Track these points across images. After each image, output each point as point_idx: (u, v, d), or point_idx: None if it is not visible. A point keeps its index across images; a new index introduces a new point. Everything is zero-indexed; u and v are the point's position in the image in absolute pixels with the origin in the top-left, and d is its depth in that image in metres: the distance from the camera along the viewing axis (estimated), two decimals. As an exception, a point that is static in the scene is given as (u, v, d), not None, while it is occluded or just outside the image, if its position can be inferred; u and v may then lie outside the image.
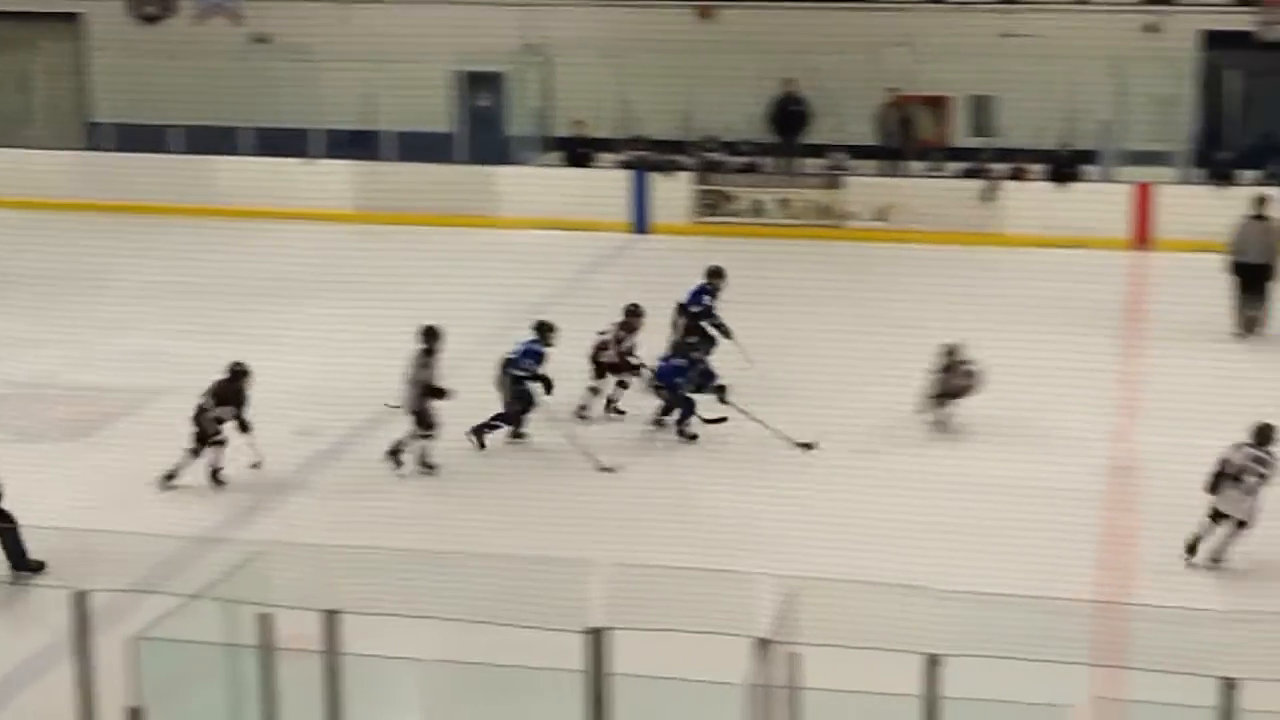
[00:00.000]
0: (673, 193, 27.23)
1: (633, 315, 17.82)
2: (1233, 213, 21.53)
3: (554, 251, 25.43)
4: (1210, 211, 23.11)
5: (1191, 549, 13.52)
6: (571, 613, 8.43)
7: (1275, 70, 27.00)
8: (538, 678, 9.10)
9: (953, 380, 16.79)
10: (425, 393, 15.87)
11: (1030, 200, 26.04)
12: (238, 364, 15.78)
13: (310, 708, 6.96)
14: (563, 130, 29.18)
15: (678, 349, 17.59)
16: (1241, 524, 13.47)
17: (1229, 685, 6.30)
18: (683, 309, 18.72)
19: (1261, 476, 13.48)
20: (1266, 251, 20.89)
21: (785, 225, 26.82)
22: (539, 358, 16.68)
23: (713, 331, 18.63)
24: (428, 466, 15.90)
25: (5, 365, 19.51)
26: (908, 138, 27.83)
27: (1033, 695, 8.97)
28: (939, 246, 25.16)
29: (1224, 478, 13.51)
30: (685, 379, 16.97)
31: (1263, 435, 13.63)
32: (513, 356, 16.70)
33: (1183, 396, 16.94)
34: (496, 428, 16.71)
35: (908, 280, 23.45)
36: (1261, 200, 21.33)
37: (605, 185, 27.45)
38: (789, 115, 28.01)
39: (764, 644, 6.55)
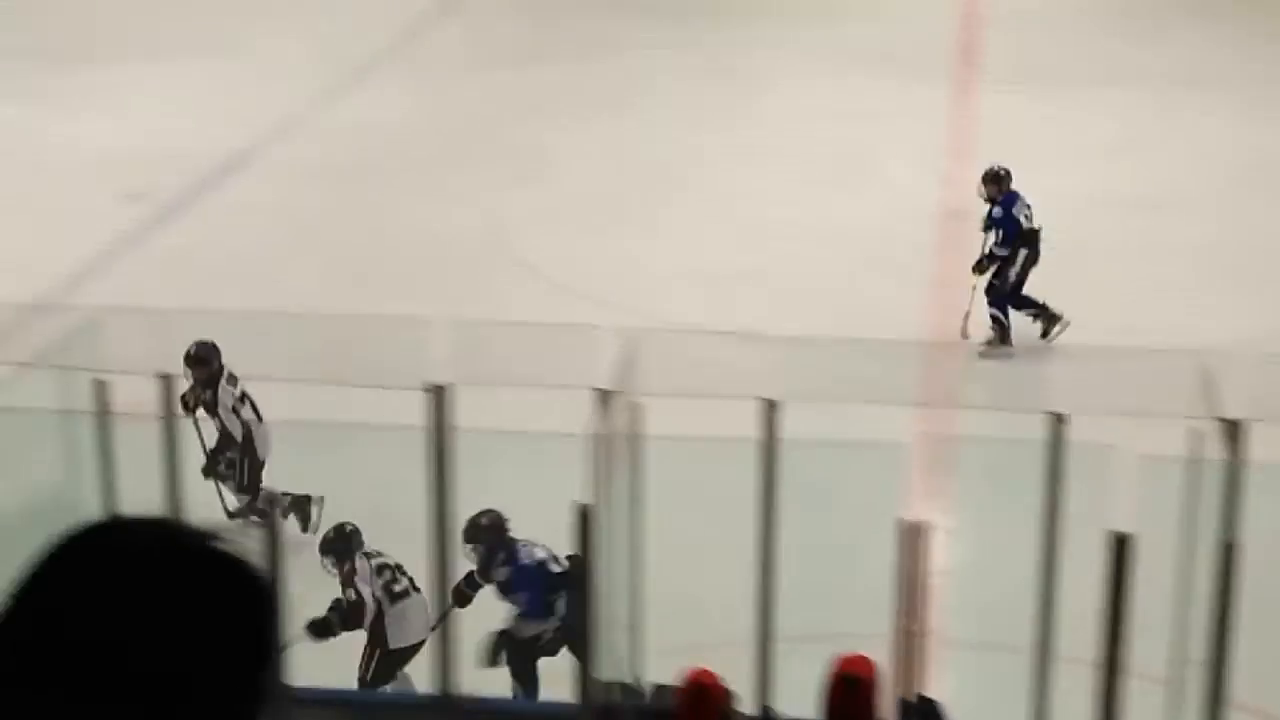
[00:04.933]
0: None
1: None
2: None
3: (386, 6, 24.88)
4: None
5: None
6: (413, 370, 8.43)
7: None
8: (381, 434, 9.15)
9: None
10: None
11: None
12: None
13: (149, 472, 6.93)
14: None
15: None
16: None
17: (1058, 419, 6.47)
18: None
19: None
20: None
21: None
22: None
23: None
24: None
25: None
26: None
27: (869, 435, 9.18)
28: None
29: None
30: None
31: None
32: None
33: (1016, 140, 17.11)
34: None
35: (746, 30, 23.29)
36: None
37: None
38: None
39: (605, 394, 6.60)
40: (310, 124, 18.70)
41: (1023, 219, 13.33)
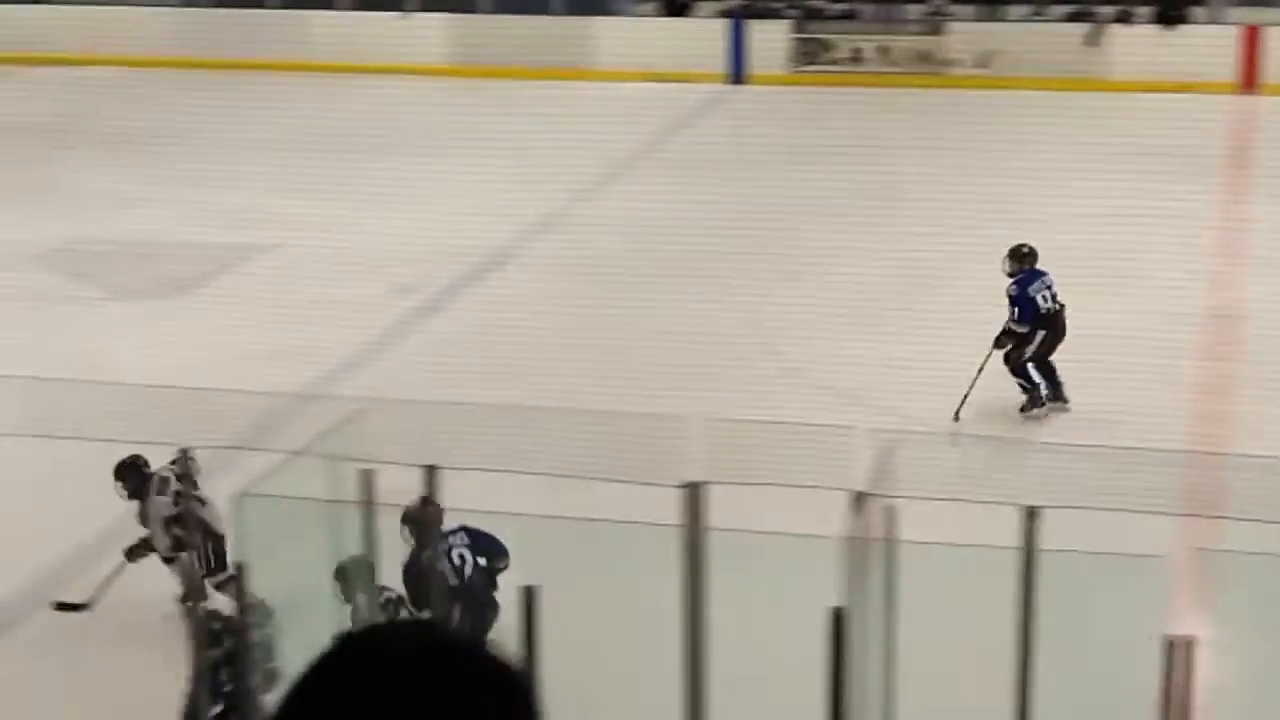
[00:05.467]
0: (770, 42, 26.96)
1: None
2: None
3: (650, 104, 25.30)
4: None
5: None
6: (667, 467, 8.48)
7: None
8: (634, 532, 9.20)
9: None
10: None
11: (1136, 44, 25.56)
12: None
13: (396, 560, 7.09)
14: (659, -21, 28.92)
15: None
16: None
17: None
18: None
19: None
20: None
21: (885, 74, 26.49)
22: None
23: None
24: None
25: (109, 223, 19.73)
26: (1009, -19, 27.39)
27: (1129, 547, 8.96)
28: (1043, 93, 24.77)
29: None
30: None
31: None
32: None
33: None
34: None
35: (1010, 127, 23.15)
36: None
37: (702, 35, 27.22)
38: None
39: (860, 496, 6.57)
40: (574, 219, 19.03)
41: (1040, 299, 13.52)
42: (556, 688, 3.39)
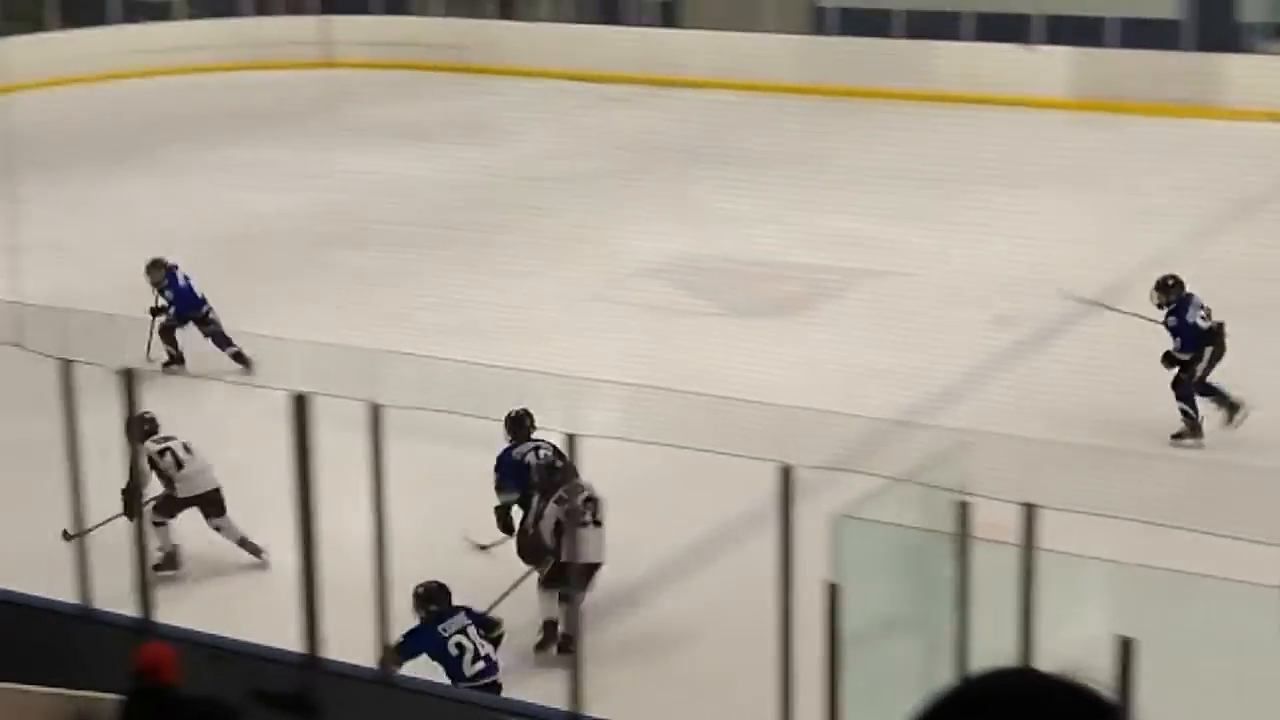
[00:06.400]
0: None
1: None
2: None
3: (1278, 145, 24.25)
4: None
5: None
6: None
7: None
8: (1234, 588, 8.84)
9: None
10: None
11: None
12: None
13: (1001, 599, 7.02)
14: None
15: None
16: None
17: None
18: None
19: None
20: None
21: None
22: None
23: None
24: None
25: (722, 242, 20.38)
26: None
27: None
28: None
29: None
30: None
31: None
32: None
33: None
34: None
35: None
36: None
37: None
38: None
39: None
40: (1189, 260, 18.40)
41: (1199, 321, 14.07)
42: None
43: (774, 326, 17.35)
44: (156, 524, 11.50)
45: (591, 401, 13.75)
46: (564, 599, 10.48)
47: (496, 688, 9.61)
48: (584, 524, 10.64)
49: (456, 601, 9.96)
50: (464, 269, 19.20)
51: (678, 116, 27.50)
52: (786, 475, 7.71)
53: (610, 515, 10.99)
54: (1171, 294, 14.21)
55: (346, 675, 8.16)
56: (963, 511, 7.18)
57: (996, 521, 7.24)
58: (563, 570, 10.50)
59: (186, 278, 16.10)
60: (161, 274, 16.01)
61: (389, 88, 30.88)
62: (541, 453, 11.49)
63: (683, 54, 30.42)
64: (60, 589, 8.92)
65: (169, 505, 11.82)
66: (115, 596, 8.84)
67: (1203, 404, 13.96)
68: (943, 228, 19.75)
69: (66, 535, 9.46)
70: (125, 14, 32.80)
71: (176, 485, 11.84)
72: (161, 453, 11.73)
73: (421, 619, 9.73)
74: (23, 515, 11.74)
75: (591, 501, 10.77)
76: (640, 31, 31.48)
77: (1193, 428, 13.92)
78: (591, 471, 10.61)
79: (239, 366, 15.71)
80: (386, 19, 33.30)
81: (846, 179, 22.88)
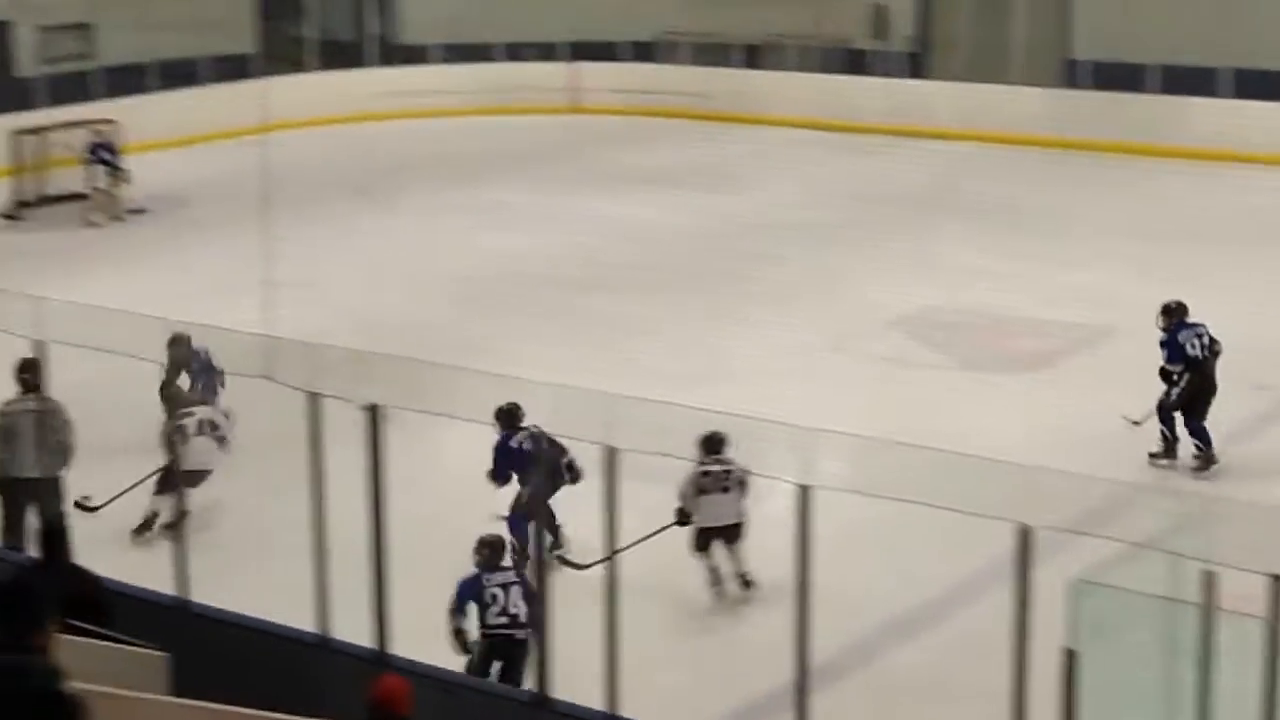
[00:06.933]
0: None
1: None
2: None
3: None
4: None
5: None
6: None
7: None
8: None
9: None
10: None
11: None
12: None
13: (1246, 672, 6.81)
14: None
15: None
16: None
17: None
18: None
19: None
20: None
21: None
22: None
23: None
24: None
25: (960, 294, 20.14)
26: None
27: None
28: None
29: None
30: None
31: None
32: None
33: None
34: None
35: None
36: None
37: None
38: None
39: None
40: None
41: (1188, 346, 14.55)
42: None
43: (1014, 382, 17.08)
44: None
45: (824, 452, 13.65)
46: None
47: (515, 642, 10.41)
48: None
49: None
50: (702, 316, 19.27)
51: (922, 167, 27.31)
52: (1025, 536, 7.58)
53: (844, 568, 10.89)
54: (1173, 317, 14.80)
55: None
56: (1209, 581, 6.98)
57: (1244, 593, 7.03)
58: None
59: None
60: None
61: (635, 134, 31.17)
62: (534, 438, 12.39)
63: (929, 105, 30.23)
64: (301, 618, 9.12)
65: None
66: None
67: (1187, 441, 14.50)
68: (1190, 288, 19.26)
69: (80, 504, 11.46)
70: (382, 57, 33.66)
71: None
72: None
73: (476, 564, 10.70)
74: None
75: (571, 469, 12.09)
76: (886, 82, 31.37)
77: (1167, 450, 14.57)
78: (823, 522, 10.54)
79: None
80: (634, 66, 33.64)
81: (1084, 234, 22.53)
